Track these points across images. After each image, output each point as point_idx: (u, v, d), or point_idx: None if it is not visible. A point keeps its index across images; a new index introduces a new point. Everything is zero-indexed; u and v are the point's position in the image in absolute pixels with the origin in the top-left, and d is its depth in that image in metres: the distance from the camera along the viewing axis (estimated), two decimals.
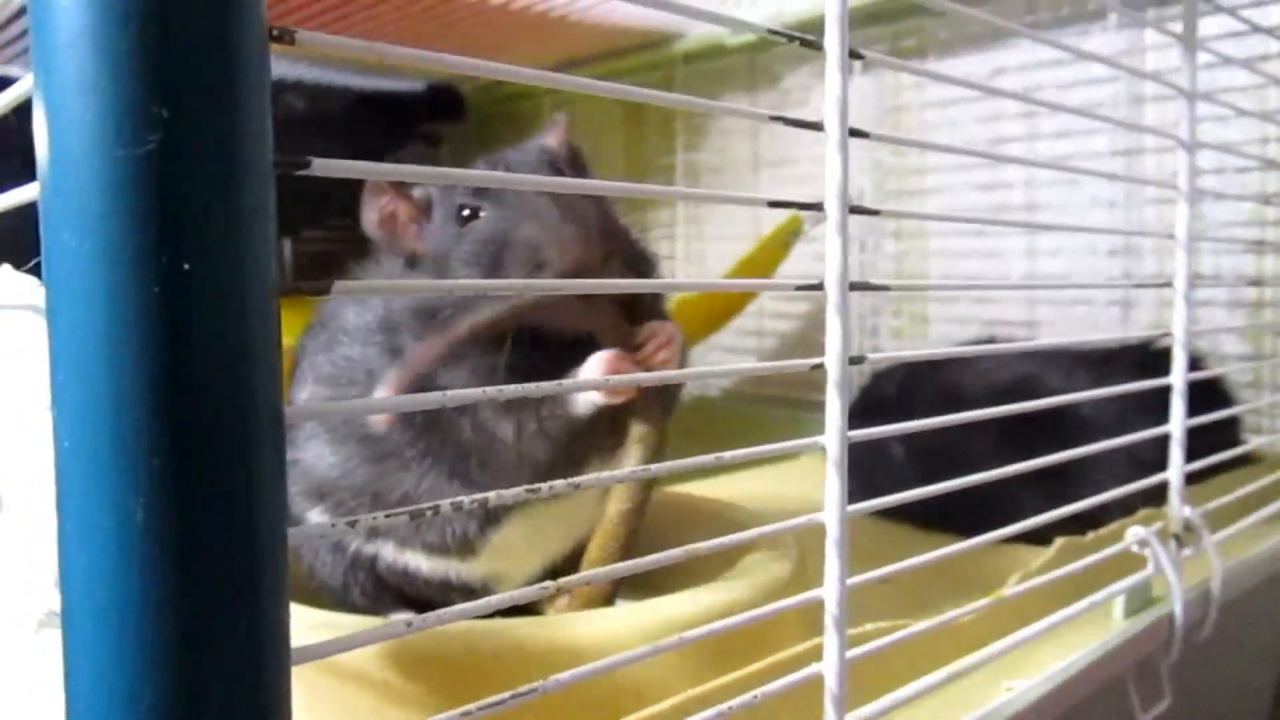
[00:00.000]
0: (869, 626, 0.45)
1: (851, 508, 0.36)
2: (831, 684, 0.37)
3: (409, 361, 0.47)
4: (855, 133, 0.37)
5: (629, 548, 0.50)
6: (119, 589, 0.20)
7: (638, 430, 0.50)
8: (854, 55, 0.36)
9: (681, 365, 0.50)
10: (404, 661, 0.43)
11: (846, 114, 0.35)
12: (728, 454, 0.36)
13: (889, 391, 0.87)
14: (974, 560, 0.72)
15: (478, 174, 0.27)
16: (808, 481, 0.86)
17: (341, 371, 0.52)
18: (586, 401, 0.48)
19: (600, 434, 0.50)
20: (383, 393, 0.41)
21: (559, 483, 0.30)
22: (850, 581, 0.37)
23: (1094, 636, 0.54)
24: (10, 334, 0.34)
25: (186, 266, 0.20)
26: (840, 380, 0.35)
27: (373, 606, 0.54)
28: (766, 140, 1.43)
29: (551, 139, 0.55)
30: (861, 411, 0.91)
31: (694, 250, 1.52)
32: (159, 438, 0.20)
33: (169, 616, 0.20)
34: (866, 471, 0.86)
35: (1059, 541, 0.60)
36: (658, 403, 0.50)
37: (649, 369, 0.48)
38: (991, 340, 0.88)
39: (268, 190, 0.21)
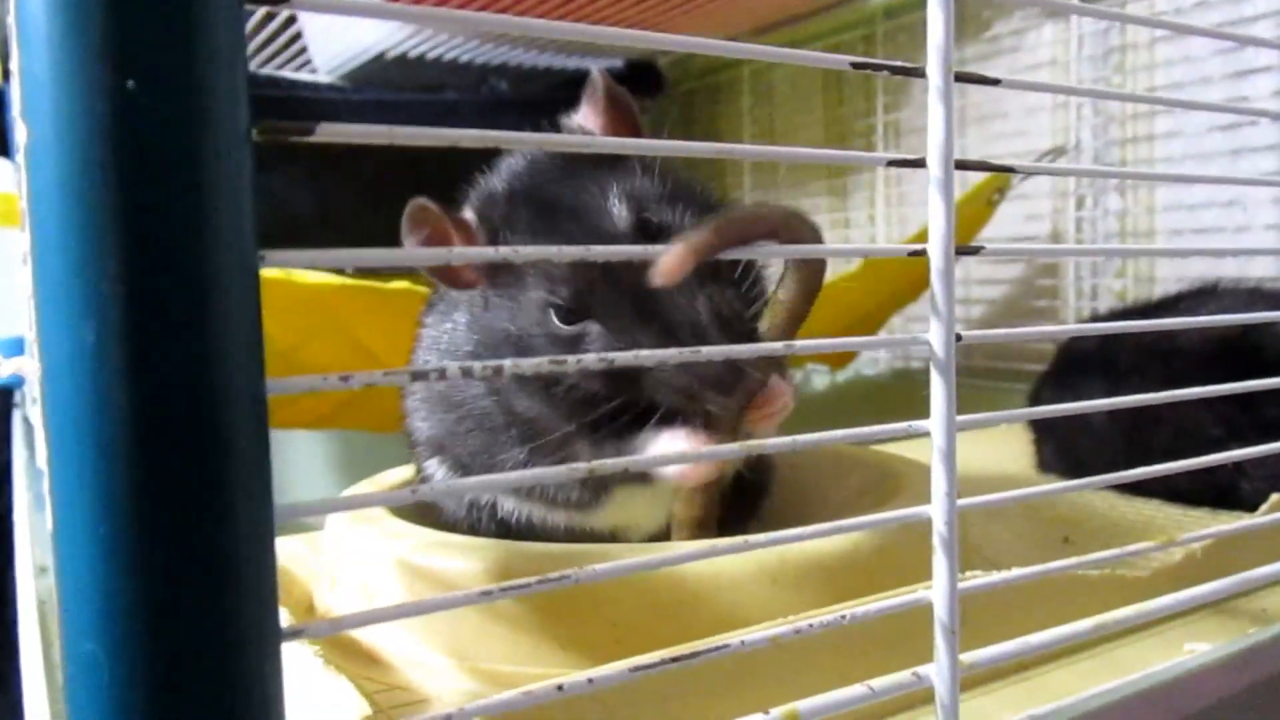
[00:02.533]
0: (1015, 570, 0.39)
1: (961, 419, 0.32)
2: (941, 613, 0.32)
3: None
4: (961, 77, 0.32)
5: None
6: (80, 418, 0.20)
7: None
8: None
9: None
10: (507, 579, 0.43)
11: (950, 57, 0.31)
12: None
13: (1089, 346, 0.79)
14: (1179, 529, 0.63)
15: (523, 136, 0.25)
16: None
17: (447, 343, 0.52)
18: (666, 473, 0.45)
19: None
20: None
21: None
22: (961, 503, 0.32)
23: None
24: None
25: (130, 85, 0.19)
26: (944, 269, 0.31)
27: None
28: (973, 96, 1.34)
29: (590, 111, 0.51)
30: (1062, 368, 0.83)
31: (895, 214, 1.45)
32: (109, 264, 0.19)
33: (124, 457, 0.20)
34: (1065, 431, 0.78)
35: (1275, 498, 0.52)
36: None
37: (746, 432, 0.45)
38: (1209, 288, 0.77)
39: (234, 25, 0.21)
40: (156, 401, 0.20)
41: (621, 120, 0.51)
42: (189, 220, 0.20)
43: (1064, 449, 0.79)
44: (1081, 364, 0.79)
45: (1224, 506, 0.66)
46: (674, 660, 0.28)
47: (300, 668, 0.34)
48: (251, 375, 0.21)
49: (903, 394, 1.37)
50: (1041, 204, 1.28)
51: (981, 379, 1.26)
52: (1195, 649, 0.41)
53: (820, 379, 1.55)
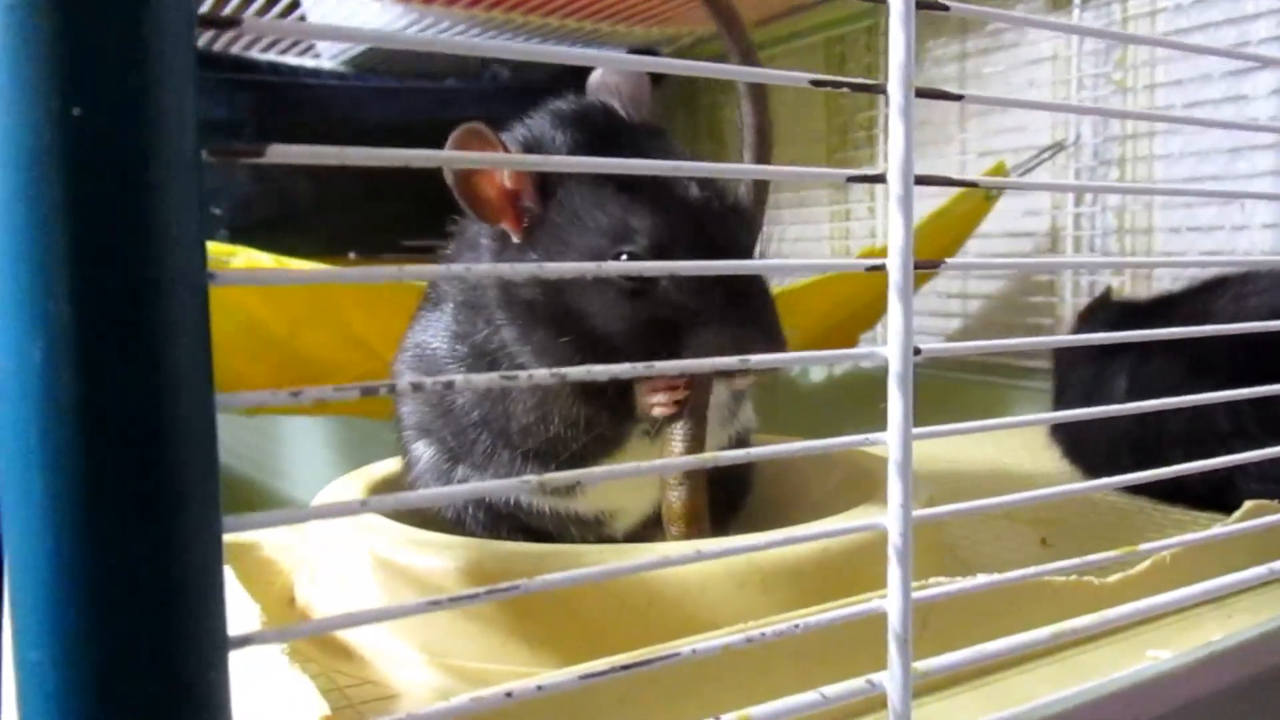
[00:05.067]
0: (973, 579, 0.40)
1: (917, 431, 0.32)
2: (895, 622, 0.33)
3: None
4: (922, 93, 0.32)
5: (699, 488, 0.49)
6: (27, 433, 0.20)
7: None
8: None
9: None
10: (481, 580, 0.43)
11: (911, 74, 0.31)
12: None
13: (1116, 320, 0.78)
14: (1159, 533, 0.64)
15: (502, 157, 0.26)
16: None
17: (431, 336, 0.54)
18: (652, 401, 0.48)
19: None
20: None
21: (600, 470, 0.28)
22: (917, 514, 0.33)
23: None
24: None
25: (77, 112, 0.20)
26: (903, 286, 0.31)
27: (490, 536, 0.55)
28: (975, 87, 1.33)
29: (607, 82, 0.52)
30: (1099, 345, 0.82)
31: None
32: (55, 285, 0.20)
33: (71, 473, 0.20)
34: (1080, 406, 0.77)
35: (1249, 504, 0.52)
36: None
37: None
38: (1252, 274, 0.76)
39: (184, 48, 0.21)
40: (103, 419, 0.20)
41: (638, 84, 0.52)
42: (136, 243, 0.21)
43: (1075, 426, 0.78)
44: None
45: (1221, 504, 0.66)
46: (624, 668, 0.29)
47: (266, 663, 0.35)
48: (199, 392, 0.22)
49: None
50: (1040, 199, 1.27)
51: (985, 374, 1.26)
52: (1157, 655, 0.42)
53: (818, 372, 1.55)
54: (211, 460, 0.22)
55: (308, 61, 1.57)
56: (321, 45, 1.53)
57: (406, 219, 1.58)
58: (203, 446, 0.22)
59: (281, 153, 0.23)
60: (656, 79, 1.73)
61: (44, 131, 0.20)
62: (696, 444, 0.47)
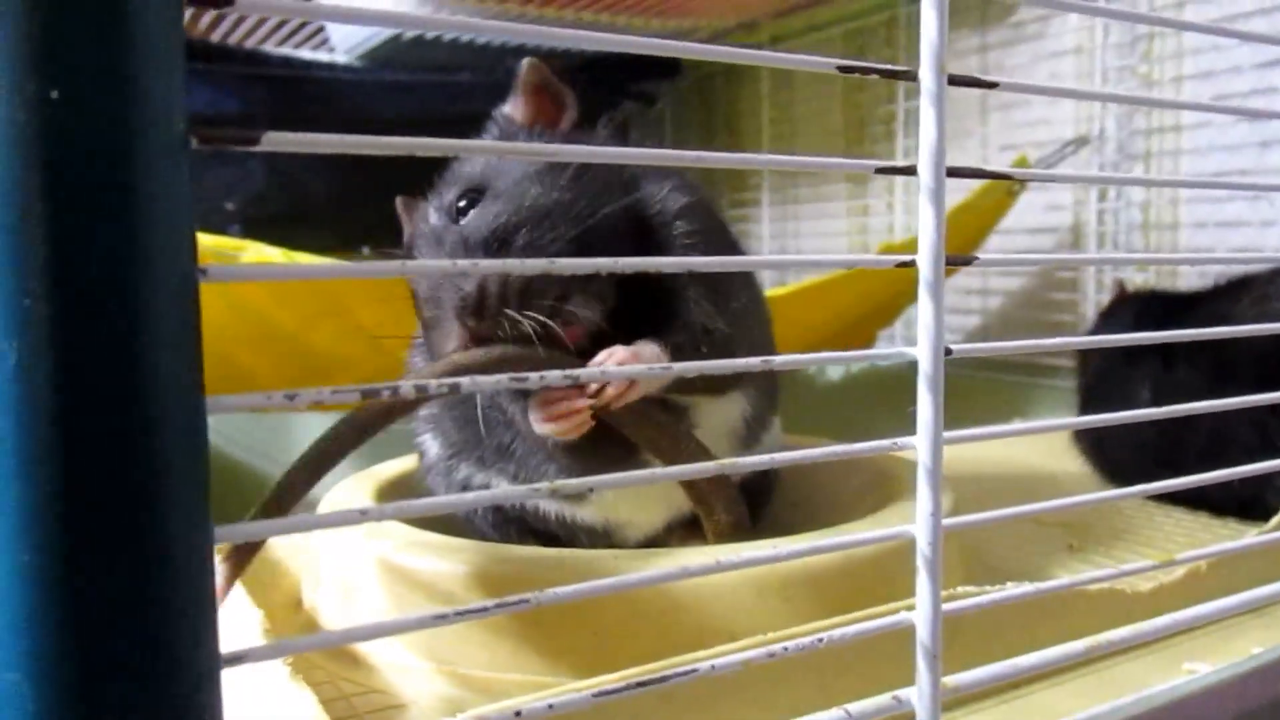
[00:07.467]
0: (1003, 590, 0.38)
1: (948, 435, 0.31)
2: (924, 636, 0.31)
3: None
4: (956, 80, 0.31)
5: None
6: (2, 439, 0.19)
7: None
8: None
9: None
10: (491, 587, 0.42)
11: (944, 59, 0.30)
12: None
13: (1148, 326, 0.76)
14: (1190, 541, 0.62)
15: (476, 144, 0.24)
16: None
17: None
18: (542, 428, 0.44)
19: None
20: None
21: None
22: (947, 523, 0.31)
23: None
24: None
25: (54, 94, 0.18)
26: (934, 283, 0.30)
27: (500, 538, 0.53)
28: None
29: (516, 106, 0.52)
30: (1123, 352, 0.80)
31: (913, 202, 1.43)
32: (32, 281, 0.19)
33: (47, 481, 0.19)
34: (1103, 410, 0.75)
35: None
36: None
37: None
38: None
39: (170, 26, 0.20)
40: (85, 424, 0.19)
41: (550, 106, 0.53)
42: (119, 234, 0.19)
43: (1097, 438, 0.76)
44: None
45: (1248, 517, 0.64)
46: (640, 685, 0.27)
47: (268, 675, 0.34)
48: (188, 395, 0.20)
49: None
50: (1063, 194, 1.25)
51: (1015, 374, 1.24)
52: (1195, 669, 0.40)
53: (835, 370, 1.53)
54: (200, 465, 0.21)
55: (321, 55, 1.56)
56: (335, 38, 1.52)
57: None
58: (190, 451, 0.21)
59: (278, 140, 0.22)
60: (672, 73, 1.71)
61: (19, 116, 0.18)
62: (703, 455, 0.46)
